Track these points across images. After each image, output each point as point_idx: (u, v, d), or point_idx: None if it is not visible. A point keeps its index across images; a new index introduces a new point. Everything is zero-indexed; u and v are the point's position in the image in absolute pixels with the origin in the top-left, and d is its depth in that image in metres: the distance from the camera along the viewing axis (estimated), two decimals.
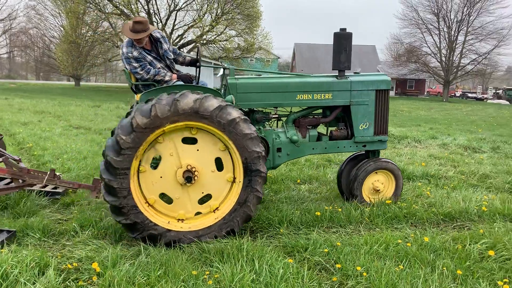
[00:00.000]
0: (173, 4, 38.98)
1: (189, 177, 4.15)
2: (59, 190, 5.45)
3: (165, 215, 4.26)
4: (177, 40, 40.94)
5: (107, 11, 37.60)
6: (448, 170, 7.84)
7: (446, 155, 9.28)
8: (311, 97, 5.29)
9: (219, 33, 40.13)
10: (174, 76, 4.91)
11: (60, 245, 4.16)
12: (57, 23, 56.04)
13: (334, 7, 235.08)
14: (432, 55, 46.68)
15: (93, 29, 44.92)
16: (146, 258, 3.78)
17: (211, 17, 39.11)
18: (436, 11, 44.85)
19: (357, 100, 5.43)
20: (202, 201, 4.40)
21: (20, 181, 5.16)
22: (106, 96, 33.03)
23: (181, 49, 39.91)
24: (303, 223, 4.84)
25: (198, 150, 4.26)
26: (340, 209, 5.12)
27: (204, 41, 40.21)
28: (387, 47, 61.41)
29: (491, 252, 4.06)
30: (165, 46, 5.01)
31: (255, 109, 5.26)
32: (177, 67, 5.30)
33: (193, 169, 4.21)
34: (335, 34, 5.34)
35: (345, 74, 5.44)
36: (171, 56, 5.08)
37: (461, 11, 43.98)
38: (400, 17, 47.85)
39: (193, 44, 40.85)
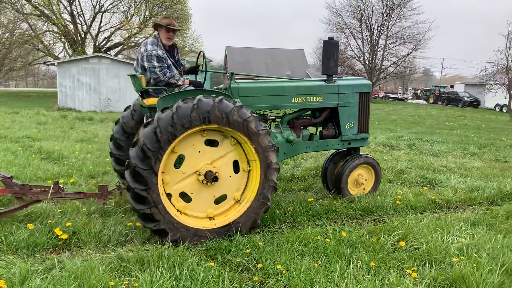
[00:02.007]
0: (98, 5, 37.53)
1: (215, 177, 4.39)
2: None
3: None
4: (103, 42, 39.43)
5: (25, 12, 35.29)
6: None
7: (366, 153, 9.76)
8: (304, 100, 5.72)
9: (148, 35, 39.23)
10: (187, 81, 5.15)
11: None
12: None
13: (265, 11, 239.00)
14: (357, 58, 49.02)
15: (10, 31, 41.95)
16: (60, 271, 3.59)
17: (139, 19, 38.14)
18: (358, 16, 47.14)
19: (344, 102, 5.98)
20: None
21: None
22: (26, 102, 30.93)
23: (108, 52, 38.52)
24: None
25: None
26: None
27: (133, 44, 39.09)
28: (315, 50, 63.49)
29: (402, 243, 4.34)
30: (178, 54, 5.29)
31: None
32: None
33: (214, 168, 4.45)
34: (324, 42, 5.89)
35: (322, 79, 5.97)
36: (182, 64, 5.39)
37: (381, 16, 46.60)
38: (325, 22, 49.55)
39: (121, 46, 39.55)
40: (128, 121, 5.80)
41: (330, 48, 5.83)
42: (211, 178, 4.39)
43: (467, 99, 43.54)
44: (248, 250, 4.05)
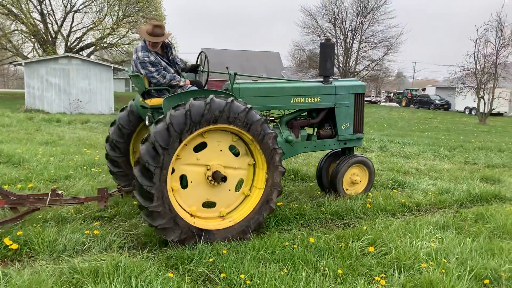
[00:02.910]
0: (69, 5, 36.58)
1: (224, 177, 4.38)
2: None
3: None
4: (75, 43, 38.48)
5: None
6: None
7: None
8: (303, 101, 5.79)
9: (121, 36, 38.53)
10: (188, 81, 5.13)
11: None
12: None
13: (241, 13, 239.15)
14: None
15: None
16: (5, 286, 3.32)
17: (112, 20, 37.40)
18: (333, 20, 47.61)
19: (340, 103, 6.08)
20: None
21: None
22: None
23: (80, 53, 37.62)
24: None
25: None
26: None
27: (105, 44, 38.31)
28: (290, 53, 63.77)
29: (371, 248, 4.22)
30: (174, 52, 5.21)
31: None
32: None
33: (224, 173, 4.44)
34: (321, 44, 5.96)
35: (324, 80, 6.01)
36: (179, 62, 5.30)
37: (355, 20, 47.18)
38: (300, 25, 49.71)
39: (93, 47, 38.68)
40: (125, 122, 5.70)
41: (327, 50, 5.92)
42: (219, 178, 4.39)
43: (438, 102, 44.47)
44: (211, 259, 3.85)
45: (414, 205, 6.01)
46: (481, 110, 28.15)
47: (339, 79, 6.35)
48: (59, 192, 4.82)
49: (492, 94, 27.71)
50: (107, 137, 5.86)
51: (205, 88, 5.27)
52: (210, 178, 4.44)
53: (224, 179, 4.40)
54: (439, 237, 4.56)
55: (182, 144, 4.13)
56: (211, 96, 4.23)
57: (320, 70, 6.02)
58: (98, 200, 4.94)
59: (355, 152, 6.55)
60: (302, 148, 5.94)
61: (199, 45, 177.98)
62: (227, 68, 5.27)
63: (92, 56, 38.86)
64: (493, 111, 28.87)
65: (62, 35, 37.74)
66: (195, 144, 4.38)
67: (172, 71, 5.06)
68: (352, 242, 4.37)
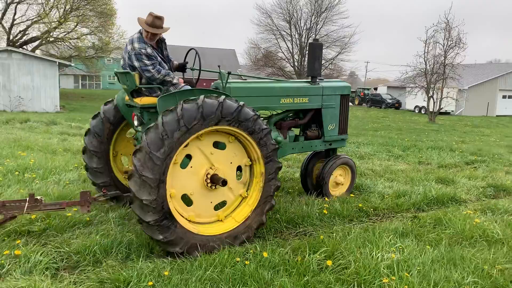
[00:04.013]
0: None
1: (224, 180, 4.20)
2: None
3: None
4: (18, 36, 36.21)
5: None
6: (296, 172, 7.88)
7: (294, 156, 9.37)
8: (292, 101, 5.69)
9: (70, 30, 36.68)
10: (181, 80, 4.98)
11: None
12: None
13: (197, 10, 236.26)
14: (286, 60, 49.49)
15: None
16: None
17: (59, 13, 35.50)
18: (288, 18, 47.58)
19: (327, 103, 6.06)
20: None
21: None
22: None
23: (24, 47, 35.48)
24: (136, 249, 4.15)
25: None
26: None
27: (52, 39, 36.32)
28: (246, 51, 63.48)
29: (329, 262, 3.90)
30: (167, 48, 5.06)
31: None
32: None
33: (216, 171, 4.27)
34: (310, 44, 5.98)
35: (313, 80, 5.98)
36: (171, 59, 5.15)
37: (310, 19, 47.39)
38: (256, 23, 49.47)
39: (39, 41, 36.57)
40: (99, 129, 5.36)
41: (315, 50, 5.89)
42: (218, 181, 4.22)
43: (390, 101, 45.63)
44: (150, 283, 3.38)
45: (372, 209, 5.79)
46: (431, 109, 29.01)
47: (325, 80, 6.28)
48: (38, 197, 4.43)
49: (440, 93, 28.61)
50: (83, 148, 5.49)
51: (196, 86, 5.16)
52: (208, 181, 4.26)
53: (224, 182, 4.22)
54: (399, 246, 4.31)
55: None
56: (222, 97, 4.12)
57: (308, 70, 6.01)
58: (81, 204, 4.60)
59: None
60: (290, 149, 5.88)
61: None
62: (218, 66, 5.04)
63: (37, 51, 36.79)
64: (442, 110, 29.84)
65: (3, 27, 35.41)
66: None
67: (167, 67, 4.87)
68: (308, 255, 4.04)
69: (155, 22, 4.61)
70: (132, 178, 3.83)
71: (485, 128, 25.69)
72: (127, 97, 4.98)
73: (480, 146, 13.36)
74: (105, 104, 5.45)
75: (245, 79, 6.20)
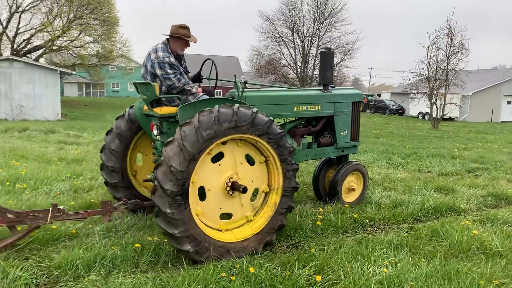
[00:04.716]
0: (14, 5, 34.60)
1: (245, 188, 4.25)
2: None
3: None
4: (22, 45, 36.43)
5: None
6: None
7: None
8: (305, 109, 5.80)
9: (73, 38, 36.87)
10: (200, 89, 5.07)
11: None
12: None
13: (201, 17, 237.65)
14: (289, 67, 49.46)
15: None
16: None
17: (63, 22, 35.71)
18: (290, 25, 47.62)
19: (339, 111, 6.17)
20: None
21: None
22: None
23: (28, 55, 35.69)
24: (120, 263, 4.02)
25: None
26: (166, 240, 4.42)
27: (55, 47, 36.51)
28: (249, 58, 63.53)
29: (318, 278, 3.76)
30: (185, 60, 5.20)
31: None
32: None
33: (238, 180, 4.36)
34: (322, 53, 6.06)
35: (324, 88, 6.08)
36: (189, 71, 5.31)
37: (312, 26, 47.41)
38: (259, 30, 49.54)
39: (42, 49, 36.78)
40: (124, 131, 5.45)
41: (327, 59, 5.96)
42: (239, 188, 4.28)
43: (393, 107, 45.45)
44: None
45: (367, 220, 5.63)
46: (434, 116, 28.80)
47: (336, 88, 6.38)
48: (61, 207, 4.55)
49: (444, 100, 28.42)
50: (102, 147, 5.56)
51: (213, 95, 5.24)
52: (228, 186, 4.33)
53: (244, 189, 4.27)
54: (393, 260, 4.15)
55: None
56: (236, 105, 4.20)
57: (320, 78, 6.09)
58: (103, 214, 4.70)
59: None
60: (304, 156, 5.95)
61: None
62: (234, 76, 5.12)
63: (41, 59, 36.99)
64: (445, 116, 29.63)
65: (7, 36, 35.64)
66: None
67: (186, 77, 5.04)
68: (297, 269, 3.88)
69: (186, 33, 4.89)
70: (156, 193, 3.90)
71: (489, 134, 25.43)
72: (145, 107, 5.05)
73: (483, 153, 13.17)
74: (117, 118, 5.53)
75: (260, 88, 6.32)
